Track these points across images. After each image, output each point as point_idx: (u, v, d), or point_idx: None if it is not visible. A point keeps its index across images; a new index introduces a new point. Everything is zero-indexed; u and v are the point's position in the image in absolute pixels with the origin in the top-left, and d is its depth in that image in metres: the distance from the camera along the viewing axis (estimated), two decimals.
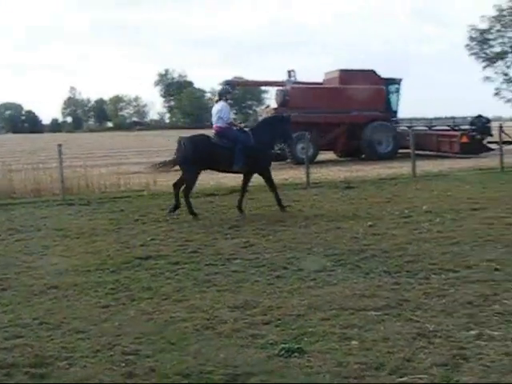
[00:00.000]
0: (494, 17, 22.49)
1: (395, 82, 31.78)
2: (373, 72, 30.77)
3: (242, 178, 13.93)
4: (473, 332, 5.44)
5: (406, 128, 31.31)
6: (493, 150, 28.94)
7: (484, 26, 22.13)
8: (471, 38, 22.19)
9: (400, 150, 29.45)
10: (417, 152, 21.85)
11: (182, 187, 13.36)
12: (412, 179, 19.28)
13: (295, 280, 7.50)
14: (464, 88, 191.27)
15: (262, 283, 7.43)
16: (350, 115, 29.46)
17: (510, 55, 22.22)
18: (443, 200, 14.14)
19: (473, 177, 19.26)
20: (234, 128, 13.87)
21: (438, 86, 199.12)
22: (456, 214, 12.02)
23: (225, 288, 7.28)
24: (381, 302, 6.39)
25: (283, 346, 5.22)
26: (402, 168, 22.71)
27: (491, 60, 21.99)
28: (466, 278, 7.23)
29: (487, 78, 22.27)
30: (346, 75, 29.84)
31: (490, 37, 22.32)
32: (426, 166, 22.85)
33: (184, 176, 13.51)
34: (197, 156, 13.04)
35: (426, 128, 33.21)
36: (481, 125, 30.56)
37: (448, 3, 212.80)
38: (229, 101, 14.47)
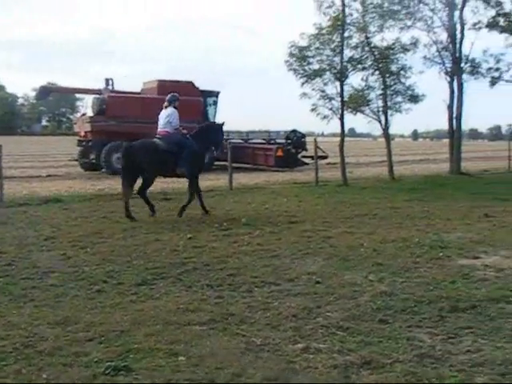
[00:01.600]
0: (313, 35, 23.20)
1: (213, 94, 32.12)
2: (191, 84, 30.88)
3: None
4: (300, 345, 5.47)
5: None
6: (307, 164, 29.95)
7: (304, 43, 22.85)
8: (291, 55, 22.76)
9: (216, 162, 29.67)
10: (233, 164, 22.09)
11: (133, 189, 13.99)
12: (229, 192, 19.46)
13: (116, 294, 7.24)
14: (281, 103, 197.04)
15: (82, 298, 7.11)
16: None
17: (327, 73, 23.03)
18: (261, 213, 14.36)
19: (289, 190, 19.78)
20: (180, 134, 14.39)
21: (256, 100, 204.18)
22: (274, 226, 12.22)
23: (43, 303, 6.86)
24: (206, 316, 6.29)
25: (109, 363, 4.98)
26: (218, 180, 22.85)
27: (309, 77, 22.69)
28: (288, 291, 7.30)
29: (305, 94, 22.94)
30: (164, 85, 29.61)
31: (309, 54, 23.03)
32: (242, 179, 23.21)
33: (122, 182, 13.93)
34: (145, 161, 13.60)
35: (242, 141, 33.78)
36: (296, 139, 31.55)
37: (270, 19, 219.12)
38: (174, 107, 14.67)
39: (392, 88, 25.40)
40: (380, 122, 24.92)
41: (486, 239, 10.78)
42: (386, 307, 6.60)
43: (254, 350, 5.36)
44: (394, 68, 25.58)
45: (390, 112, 25.14)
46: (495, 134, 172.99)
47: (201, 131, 14.98)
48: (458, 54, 28.02)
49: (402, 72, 25.58)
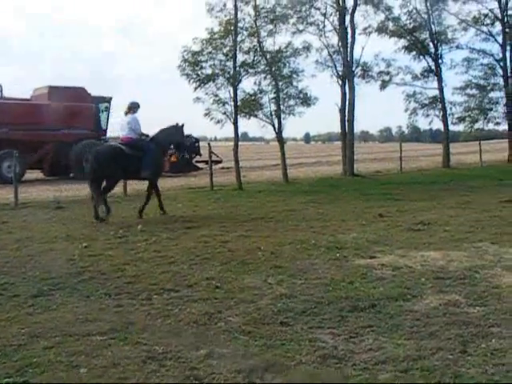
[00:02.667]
0: (205, 39, 23.23)
1: (105, 100, 31.67)
2: (83, 89, 30.34)
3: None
4: (202, 351, 5.41)
5: None
6: (201, 169, 29.93)
7: (196, 47, 22.86)
8: (184, 59, 22.71)
9: None
10: None
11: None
12: (124, 198, 19.21)
13: (12, 307, 6.96)
14: (175, 108, 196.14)
15: None
16: (58, 133, 28.67)
17: (220, 77, 23.11)
18: (157, 219, 14.23)
19: (184, 196, 19.71)
20: (143, 138, 15.00)
21: (151, 105, 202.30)
22: (171, 232, 12.14)
23: None
24: (105, 326, 6.15)
25: (7, 380, 4.79)
26: None
27: (202, 81, 22.71)
28: (188, 297, 7.24)
29: (198, 99, 22.97)
30: (55, 92, 29.00)
31: (202, 59, 23.05)
32: (136, 185, 22.87)
33: (91, 186, 14.63)
34: (112, 166, 14.17)
35: None
36: (190, 144, 31.44)
37: (161, 25, 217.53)
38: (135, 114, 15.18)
39: (285, 92, 25.75)
40: (273, 125, 25.16)
41: (382, 239, 11.05)
42: (287, 309, 6.63)
43: (156, 359, 5.28)
44: (286, 72, 25.94)
45: (283, 115, 25.44)
46: (386, 135, 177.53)
47: (160, 134, 15.50)
48: (349, 58, 28.67)
49: (294, 76, 25.99)
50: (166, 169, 30.18)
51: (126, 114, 15.14)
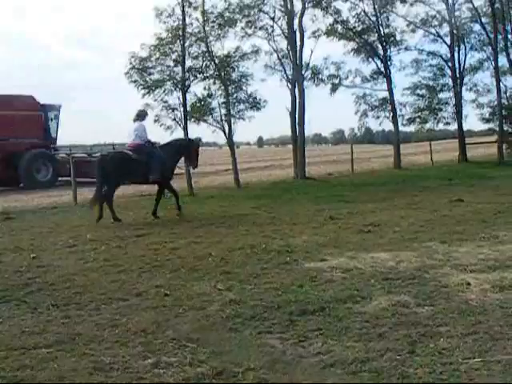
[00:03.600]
0: (153, 45, 23.13)
1: (54, 108, 31.32)
2: (31, 98, 29.94)
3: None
4: (150, 360, 5.37)
5: (65, 155, 30.84)
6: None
7: (144, 53, 22.76)
8: (132, 66, 22.59)
9: (60, 178, 28.89)
10: (79, 180, 21.64)
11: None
12: (74, 207, 19.01)
13: None
14: (127, 115, 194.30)
15: None
16: (6, 143, 28.20)
17: (168, 83, 23.00)
18: (107, 227, 14.08)
19: (136, 203, 19.56)
20: (149, 145, 15.74)
21: (102, 113, 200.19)
22: (121, 241, 12.04)
23: None
24: (52, 338, 6.05)
25: None
26: (62, 196, 22.35)
27: (150, 88, 22.60)
28: (137, 306, 7.18)
29: (147, 106, 22.85)
30: (2, 100, 28.53)
31: (150, 65, 22.95)
32: (87, 194, 22.64)
33: (97, 189, 15.29)
34: (118, 171, 14.97)
35: (86, 155, 33.09)
36: None
37: (111, 32, 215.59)
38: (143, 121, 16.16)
39: (234, 96, 25.76)
40: (224, 130, 25.15)
41: (332, 241, 11.10)
42: (236, 315, 6.61)
43: (103, 370, 5.21)
44: (235, 76, 25.97)
45: (233, 120, 25.45)
46: (338, 137, 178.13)
47: (171, 144, 16.75)
48: (298, 62, 28.76)
49: (243, 80, 26.02)
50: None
51: (134, 121, 15.97)
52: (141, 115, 16.24)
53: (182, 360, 5.38)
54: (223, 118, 25.10)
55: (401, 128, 38.51)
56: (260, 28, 28.93)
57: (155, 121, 23.79)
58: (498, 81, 36.97)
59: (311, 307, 6.78)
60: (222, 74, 25.12)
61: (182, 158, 16.97)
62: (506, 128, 39.20)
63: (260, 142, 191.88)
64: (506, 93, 39.49)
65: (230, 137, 25.42)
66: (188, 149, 16.61)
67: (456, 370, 4.96)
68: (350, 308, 6.77)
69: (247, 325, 6.31)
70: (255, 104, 25.88)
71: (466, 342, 5.56)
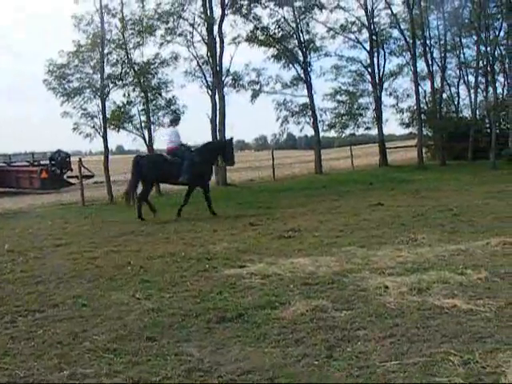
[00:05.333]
0: (72, 52, 22.85)
1: None
2: None
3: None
4: (65, 372, 5.28)
5: None
6: (73, 184, 29.38)
7: (63, 60, 22.47)
8: (49, 73, 22.27)
9: None
10: None
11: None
12: None
13: None
14: (48, 123, 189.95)
15: None
16: None
17: (87, 90, 22.77)
18: (25, 238, 13.85)
19: (54, 212, 19.25)
20: (183, 148, 16.87)
21: (22, 122, 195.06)
22: (39, 251, 11.85)
23: None
24: None
25: None
26: None
27: (69, 95, 22.33)
28: (53, 317, 7.06)
29: (66, 113, 22.58)
30: None
31: (69, 72, 22.66)
32: (6, 204, 22.26)
33: (129, 189, 16.65)
34: (153, 171, 16.39)
35: (5, 164, 32.46)
36: (60, 159, 30.84)
37: (26, 37, 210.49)
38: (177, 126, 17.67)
39: (154, 103, 25.66)
40: (144, 137, 25.00)
41: (252, 247, 11.17)
42: (154, 324, 6.58)
43: (17, 383, 5.13)
44: (154, 83, 25.88)
45: (153, 127, 25.34)
46: (261, 144, 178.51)
47: (205, 147, 17.94)
48: (218, 68, 28.81)
49: (162, 86, 25.97)
50: (36, 185, 29.76)
51: (169, 126, 18.15)
52: (174, 120, 18.31)
53: (99, 371, 5.31)
54: (143, 125, 24.97)
55: (324, 134, 39.05)
56: (179, 34, 28.89)
57: (74, 129, 23.53)
58: (417, 86, 37.87)
59: (229, 314, 6.78)
60: (142, 80, 24.98)
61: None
62: (425, 132, 40.23)
63: None
64: (425, 97, 40.55)
65: (150, 144, 25.27)
66: (223, 149, 17.55)
67: (373, 373, 5.03)
68: (268, 314, 6.79)
69: (165, 334, 6.27)
70: (175, 110, 25.82)
71: (383, 345, 5.65)
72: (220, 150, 17.64)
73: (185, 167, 16.38)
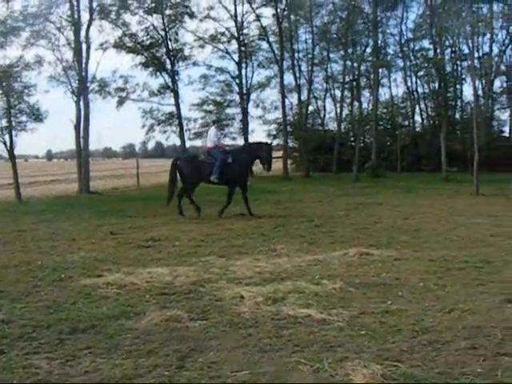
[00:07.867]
0: None
1: None
2: None
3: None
4: None
5: None
6: None
7: None
8: None
9: None
10: None
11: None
12: None
13: None
14: None
15: None
16: None
17: None
18: None
19: None
20: (219, 148, 18.08)
21: None
22: None
23: None
24: None
25: None
26: None
27: None
28: None
29: None
30: None
31: None
32: None
33: (183, 186, 18.14)
34: (189, 171, 17.74)
35: None
36: None
37: None
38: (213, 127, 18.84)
39: (16, 107, 24.92)
40: (4, 142, 24.21)
41: (110, 257, 11.06)
42: (3, 336, 6.36)
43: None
44: (17, 87, 25.13)
45: (15, 132, 24.57)
46: (129, 152, 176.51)
47: (242, 148, 19.77)
48: (84, 73, 28.31)
49: (25, 91, 25.23)
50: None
51: (210, 127, 19.90)
52: (214, 121, 20.99)
53: None
54: (3, 129, 24.16)
55: (191, 142, 39.15)
56: (44, 37, 28.20)
57: None
58: (284, 98, 38.65)
59: (82, 325, 6.70)
60: (4, 83, 24.21)
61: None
62: (291, 144, 41.06)
63: (49, 155, 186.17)
64: (291, 110, 41.45)
65: (11, 149, 24.47)
66: (262, 153, 17.99)
67: None
68: (121, 324, 6.75)
69: (14, 346, 6.09)
70: (37, 115, 25.16)
71: (236, 355, 5.73)
72: (258, 152, 18.07)
73: (216, 166, 17.41)
